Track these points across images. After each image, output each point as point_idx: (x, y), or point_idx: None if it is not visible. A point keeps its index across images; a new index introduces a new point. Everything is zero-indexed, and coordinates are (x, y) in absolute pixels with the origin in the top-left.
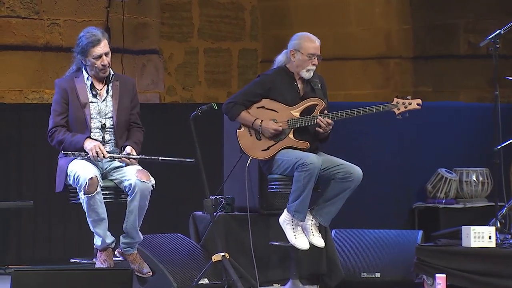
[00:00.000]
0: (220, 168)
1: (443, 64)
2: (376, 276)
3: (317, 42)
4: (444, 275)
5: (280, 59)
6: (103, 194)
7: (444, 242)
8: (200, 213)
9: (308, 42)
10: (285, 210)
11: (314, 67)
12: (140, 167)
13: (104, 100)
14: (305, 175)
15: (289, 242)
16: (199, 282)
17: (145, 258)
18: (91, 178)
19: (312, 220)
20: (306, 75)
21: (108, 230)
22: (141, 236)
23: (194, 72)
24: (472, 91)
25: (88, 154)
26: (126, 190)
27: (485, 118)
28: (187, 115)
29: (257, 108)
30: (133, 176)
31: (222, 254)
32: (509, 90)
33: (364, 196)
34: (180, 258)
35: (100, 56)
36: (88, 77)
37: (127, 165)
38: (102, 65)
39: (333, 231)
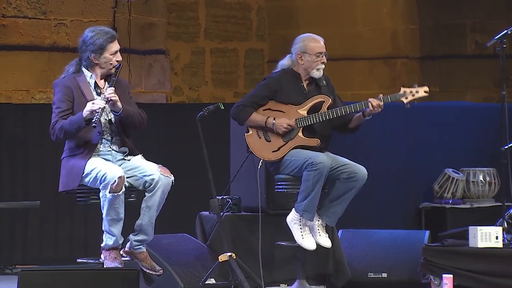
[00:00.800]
0: (227, 168)
1: (450, 64)
2: (383, 276)
3: (321, 40)
4: (451, 275)
5: (284, 63)
6: (94, 194)
7: (451, 242)
8: (207, 213)
9: (313, 42)
10: (293, 209)
11: (323, 66)
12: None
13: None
14: (315, 175)
15: (296, 242)
16: (206, 282)
17: (152, 258)
18: (120, 177)
19: (319, 220)
20: (317, 74)
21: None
22: (153, 234)
23: (200, 72)
24: (479, 91)
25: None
26: (147, 185)
27: (492, 118)
28: (194, 115)
29: (264, 110)
30: (155, 171)
31: (229, 254)
32: None
33: (371, 196)
34: (187, 258)
35: (116, 52)
36: (91, 75)
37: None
38: (117, 61)
39: (340, 231)
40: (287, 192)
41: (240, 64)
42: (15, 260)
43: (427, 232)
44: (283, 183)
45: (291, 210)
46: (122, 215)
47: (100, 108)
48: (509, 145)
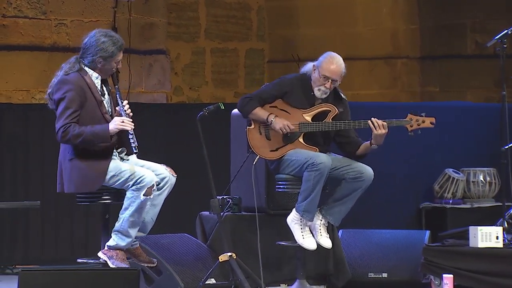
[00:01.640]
0: (227, 168)
1: (450, 64)
2: (383, 276)
3: (337, 67)
4: (451, 275)
5: (309, 67)
6: (105, 194)
7: (451, 242)
8: (207, 213)
9: (328, 64)
10: (294, 209)
11: (326, 89)
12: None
13: (107, 99)
14: (315, 175)
15: (296, 242)
16: (206, 282)
17: (152, 258)
18: (156, 181)
19: (321, 220)
20: (318, 93)
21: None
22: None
23: (201, 72)
24: (480, 91)
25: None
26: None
27: (493, 118)
28: (194, 115)
29: (270, 107)
30: (164, 170)
31: (229, 254)
32: None
33: (372, 196)
34: (187, 258)
35: (120, 61)
36: (97, 76)
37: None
38: (118, 67)
39: (340, 231)
40: (287, 192)
41: (240, 64)
42: (16, 260)
43: (428, 232)
44: (284, 183)
45: (291, 210)
46: (142, 219)
47: (132, 129)
48: (509, 145)
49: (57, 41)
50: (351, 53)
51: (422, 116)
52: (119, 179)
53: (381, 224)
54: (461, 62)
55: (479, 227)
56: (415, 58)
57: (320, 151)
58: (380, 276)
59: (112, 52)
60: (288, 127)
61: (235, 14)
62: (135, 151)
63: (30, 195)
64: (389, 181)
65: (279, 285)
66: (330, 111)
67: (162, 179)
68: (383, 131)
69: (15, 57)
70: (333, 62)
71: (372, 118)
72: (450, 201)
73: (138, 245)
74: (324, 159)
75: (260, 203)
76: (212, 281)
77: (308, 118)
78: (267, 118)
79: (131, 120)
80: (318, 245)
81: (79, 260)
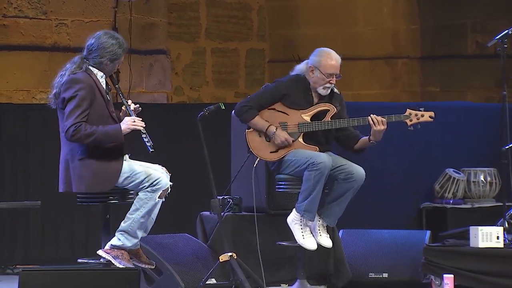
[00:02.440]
0: (228, 168)
1: (451, 64)
2: (384, 276)
3: (336, 61)
4: (452, 275)
5: (300, 67)
6: (111, 195)
7: (452, 242)
8: (208, 213)
9: (327, 60)
10: (294, 209)
11: (331, 85)
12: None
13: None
14: (316, 174)
15: (296, 242)
16: (207, 282)
17: (152, 258)
18: (169, 185)
19: (319, 221)
20: (323, 92)
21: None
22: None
23: (201, 72)
24: (480, 91)
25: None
26: None
27: (493, 118)
28: (195, 115)
29: (268, 109)
30: (163, 172)
31: (230, 254)
32: None
33: (372, 196)
34: (188, 258)
35: (121, 62)
36: (102, 75)
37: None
38: (118, 68)
39: (341, 231)
40: (288, 192)
41: (241, 64)
42: (16, 260)
43: (428, 232)
44: (284, 183)
45: (292, 210)
46: (149, 222)
47: (144, 128)
48: (510, 145)
49: (58, 41)
50: (351, 53)
51: (421, 110)
52: (133, 180)
53: (382, 224)
54: (461, 62)
55: (480, 227)
56: (415, 58)
57: (321, 150)
58: (381, 276)
59: (120, 54)
60: (288, 141)
61: (236, 14)
62: (151, 150)
63: (30, 195)
64: (390, 181)
65: (280, 285)
66: (329, 110)
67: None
68: (382, 127)
69: (15, 57)
70: (332, 58)
71: (371, 115)
72: (451, 201)
73: (139, 245)
74: (324, 158)
75: (260, 203)
76: (213, 281)
77: (307, 118)
78: (266, 131)
79: (141, 118)
80: (319, 245)
81: (79, 260)
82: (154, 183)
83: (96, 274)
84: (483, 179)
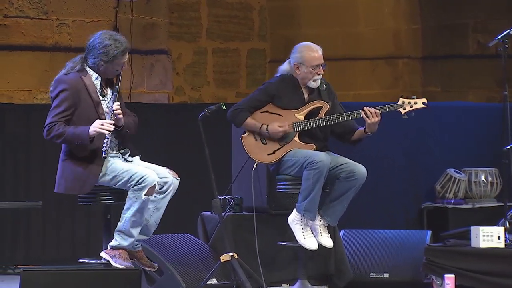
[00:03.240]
0: (229, 168)
1: (452, 64)
2: (385, 276)
3: (319, 51)
4: (453, 276)
5: (284, 68)
6: (107, 195)
7: (453, 242)
8: (209, 213)
9: (310, 53)
10: (294, 209)
11: (320, 76)
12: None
13: (109, 100)
14: (315, 174)
15: (297, 242)
16: (208, 282)
17: (153, 258)
18: (157, 182)
19: (320, 221)
20: (314, 84)
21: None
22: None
23: (202, 72)
24: (481, 91)
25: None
26: (158, 188)
27: (494, 118)
28: (196, 116)
29: (261, 112)
30: (167, 174)
31: (231, 254)
32: None
33: (373, 196)
34: (189, 258)
35: (123, 63)
36: (97, 77)
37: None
38: (122, 68)
39: (342, 231)
40: (288, 192)
41: (242, 64)
42: (17, 260)
43: (429, 232)
44: (285, 183)
45: (292, 210)
46: (144, 219)
47: (109, 133)
48: (511, 145)
49: (59, 41)
50: (352, 53)
51: (413, 98)
52: (121, 179)
53: (383, 224)
54: (462, 62)
55: (481, 227)
56: (416, 58)
57: (318, 148)
58: (382, 276)
59: (114, 56)
60: (284, 130)
61: (237, 14)
62: (103, 155)
63: (31, 195)
64: (391, 181)
65: (281, 285)
66: (322, 107)
67: (165, 182)
68: (376, 119)
69: (16, 57)
70: (313, 49)
71: (365, 107)
72: (452, 201)
73: (140, 248)
74: (322, 157)
75: (261, 203)
76: (214, 281)
77: (300, 117)
78: (260, 130)
79: (113, 123)
80: (320, 245)
81: (80, 260)
82: (140, 181)
83: (97, 274)
84: (484, 179)
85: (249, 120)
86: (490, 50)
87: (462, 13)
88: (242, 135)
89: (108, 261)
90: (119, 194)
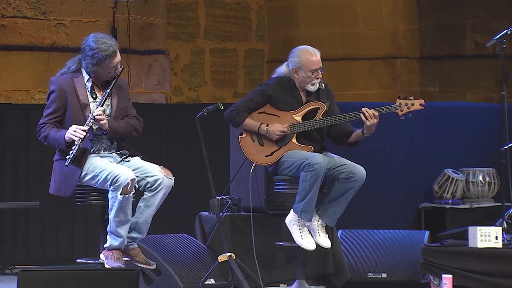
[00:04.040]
0: (226, 168)
1: (450, 64)
2: (383, 276)
3: (317, 55)
4: (451, 276)
5: (282, 70)
6: (93, 195)
7: (450, 242)
8: (206, 213)
9: (308, 58)
10: (292, 210)
11: (319, 80)
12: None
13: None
14: (312, 175)
15: (295, 242)
16: (206, 283)
17: (151, 258)
18: (132, 179)
19: (318, 221)
20: (312, 88)
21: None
22: (146, 232)
23: (200, 72)
24: (479, 91)
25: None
26: (148, 186)
27: (492, 118)
28: (193, 116)
29: (258, 113)
30: (158, 172)
31: (228, 254)
32: None
33: (371, 196)
34: (186, 259)
35: (114, 66)
36: (88, 79)
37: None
38: (115, 71)
39: (340, 231)
40: (286, 192)
41: (239, 64)
42: (16, 261)
43: (427, 232)
44: (282, 183)
45: (290, 210)
46: (130, 217)
47: (80, 138)
48: (509, 145)
49: (57, 41)
50: (351, 53)
51: (410, 99)
52: (99, 180)
53: (380, 224)
54: (461, 62)
55: (479, 227)
56: (415, 58)
57: (315, 149)
58: (380, 276)
59: (100, 59)
60: (284, 131)
61: (235, 14)
62: (66, 163)
63: (30, 195)
64: (389, 181)
65: (279, 285)
66: (319, 108)
67: (155, 181)
68: (375, 120)
69: (14, 57)
70: (311, 54)
71: (363, 109)
72: (450, 201)
73: (134, 245)
74: (320, 159)
75: (259, 203)
76: (212, 281)
77: (298, 118)
78: (259, 129)
79: (86, 129)
80: (317, 245)
81: (78, 261)
82: (114, 180)
83: (95, 274)
84: (481, 179)
85: (248, 120)
86: (488, 50)
87: (460, 13)
88: (239, 136)
89: (103, 262)
90: (103, 194)
